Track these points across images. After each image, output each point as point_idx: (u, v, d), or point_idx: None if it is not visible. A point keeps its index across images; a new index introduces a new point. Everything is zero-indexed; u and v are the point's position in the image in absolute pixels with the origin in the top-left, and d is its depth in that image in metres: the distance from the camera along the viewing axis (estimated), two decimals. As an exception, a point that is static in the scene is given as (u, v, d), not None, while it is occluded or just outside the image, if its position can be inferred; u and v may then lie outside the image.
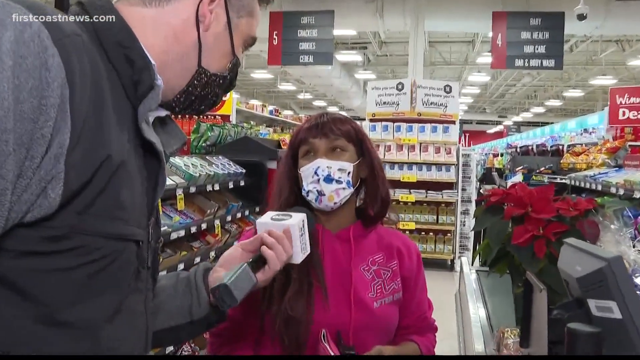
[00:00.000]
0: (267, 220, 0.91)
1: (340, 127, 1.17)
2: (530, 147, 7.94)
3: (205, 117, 5.26)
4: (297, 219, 0.91)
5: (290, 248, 0.89)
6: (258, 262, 0.87)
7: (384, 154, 6.00)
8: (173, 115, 0.82)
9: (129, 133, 0.70)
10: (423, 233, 6.06)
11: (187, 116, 3.80)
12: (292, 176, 1.19)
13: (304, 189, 1.15)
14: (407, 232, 5.92)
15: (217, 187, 2.98)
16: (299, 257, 0.91)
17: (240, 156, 3.50)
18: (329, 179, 1.13)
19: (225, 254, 0.93)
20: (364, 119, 6.35)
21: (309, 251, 0.92)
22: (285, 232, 0.89)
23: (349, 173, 1.15)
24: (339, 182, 1.14)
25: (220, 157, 3.39)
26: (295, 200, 1.16)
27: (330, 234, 1.18)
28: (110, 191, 0.65)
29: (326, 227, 1.18)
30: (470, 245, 5.94)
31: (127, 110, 0.71)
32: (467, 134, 21.48)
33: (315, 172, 1.14)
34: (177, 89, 0.77)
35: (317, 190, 1.14)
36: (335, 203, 1.15)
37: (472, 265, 1.84)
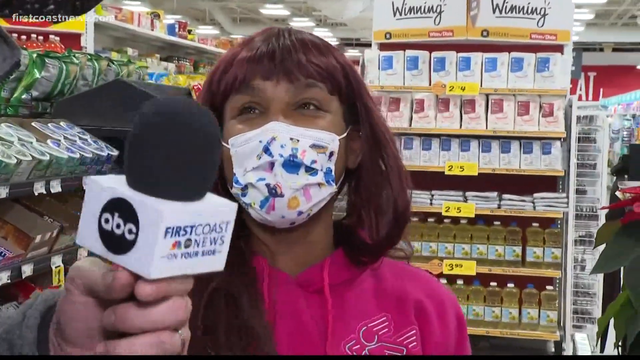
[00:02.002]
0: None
1: (317, 61, 1.06)
2: None
3: (28, 39, 5.27)
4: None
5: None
6: None
7: (411, 117, 5.43)
8: None
9: None
10: (494, 285, 5.33)
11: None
12: None
13: (237, 182, 1.05)
14: (460, 282, 5.33)
15: (57, 188, 2.98)
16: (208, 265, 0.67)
17: (109, 122, 3.49)
18: (292, 164, 1.03)
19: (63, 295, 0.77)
20: (369, 45, 5.95)
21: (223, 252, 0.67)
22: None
23: (331, 155, 1.06)
24: (311, 170, 1.04)
25: (64, 123, 3.41)
26: None
27: (287, 278, 1.10)
28: None
29: (278, 266, 1.10)
30: (597, 310, 5.51)
31: None
32: (590, 75, 19.58)
33: (267, 149, 1.02)
34: None
35: (266, 185, 1.03)
36: (300, 213, 1.05)
37: (602, 350, 1.74)
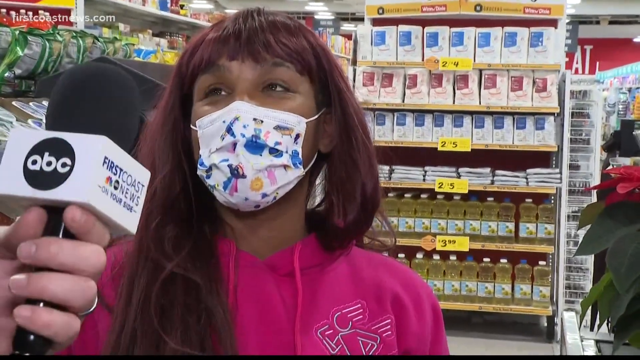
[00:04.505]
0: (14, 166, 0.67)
1: (285, 41, 1.03)
2: None
3: (17, 14, 5.17)
4: (92, 159, 0.65)
5: (102, 254, 0.66)
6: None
7: (404, 93, 5.39)
8: None
9: None
10: (487, 260, 5.31)
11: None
12: (176, 138, 1.06)
13: (202, 164, 1.02)
14: (454, 258, 5.33)
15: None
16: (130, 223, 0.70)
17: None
18: (255, 145, 0.99)
19: None
20: (361, 19, 6.25)
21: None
22: (70, 218, 0.64)
23: (297, 137, 1.02)
24: (275, 152, 1.01)
25: (46, 102, 3.23)
26: (182, 187, 1.04)
27: (254, 261, 1.06)
28: None
29: (244, 248, 1.06)
30: (590, 285, 5.52)
31: None
32: (587, 48, 19.29)
33: (229, 129, 0.99)
34: None
35: (228, 166, 0.99)
36: (265, 195, 1.01)
37: (592, 329, 1.63)
